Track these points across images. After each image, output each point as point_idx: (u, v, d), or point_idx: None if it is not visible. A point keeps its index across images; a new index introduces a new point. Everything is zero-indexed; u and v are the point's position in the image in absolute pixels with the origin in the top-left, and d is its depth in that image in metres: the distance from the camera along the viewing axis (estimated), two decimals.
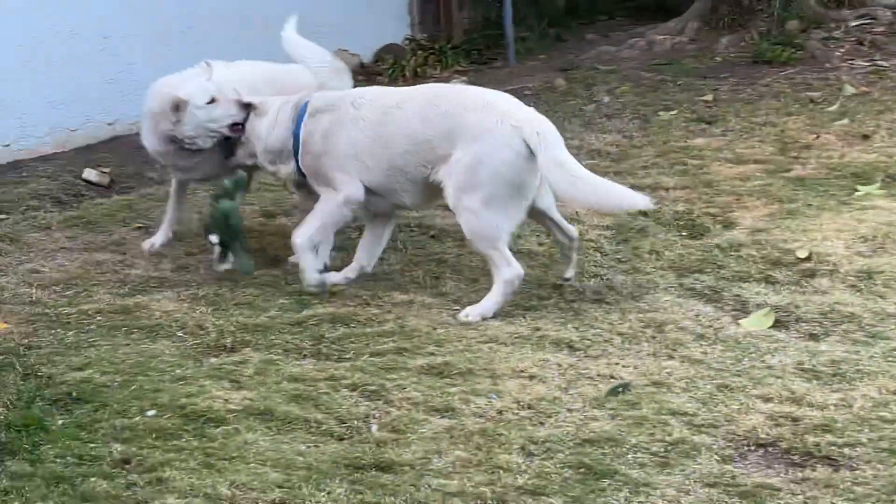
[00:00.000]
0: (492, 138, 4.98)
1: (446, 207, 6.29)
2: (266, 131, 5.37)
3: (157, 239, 5.91)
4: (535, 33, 10.83)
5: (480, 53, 10.52)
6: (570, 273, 5.35)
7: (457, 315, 5.01)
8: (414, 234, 6.07)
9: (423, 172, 5.16)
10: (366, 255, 5.55)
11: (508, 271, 5.04)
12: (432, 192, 5.22)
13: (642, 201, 4.98)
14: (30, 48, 7.79)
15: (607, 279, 5.37)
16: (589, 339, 4.70)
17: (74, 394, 4.25)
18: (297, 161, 5.34)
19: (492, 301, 5.05)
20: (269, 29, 9.26)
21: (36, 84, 7.83)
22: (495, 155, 4.97)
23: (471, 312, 5.01)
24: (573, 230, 5.39)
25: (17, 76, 7.71)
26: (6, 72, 7.65)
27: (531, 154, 4.93)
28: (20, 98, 7.74)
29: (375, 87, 5.64)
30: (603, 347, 4.64)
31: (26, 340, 4.73)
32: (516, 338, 4.74)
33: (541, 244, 5.82)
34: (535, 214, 5.26)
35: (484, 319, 4.95)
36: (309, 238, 5.25)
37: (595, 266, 5.55)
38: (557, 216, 5.33)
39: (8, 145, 7.71)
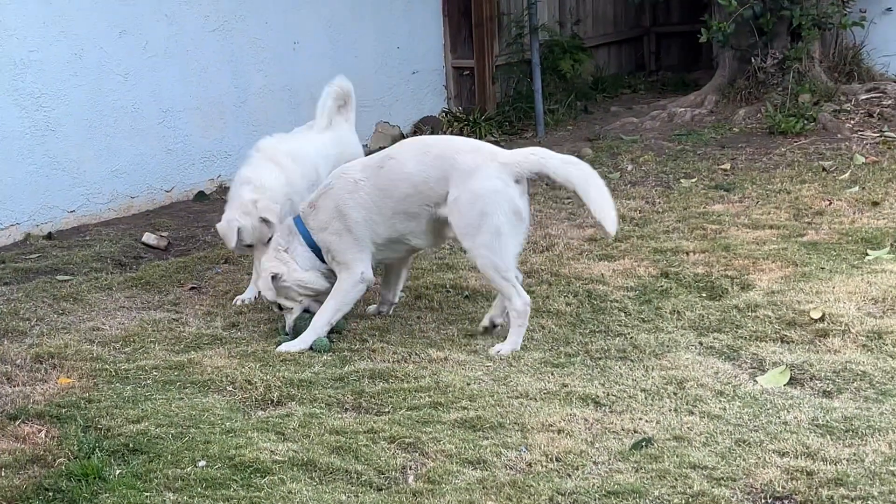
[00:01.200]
0: (484, 172, 5.18)
1: (477, 269, 6.42)
2: (289, 275, 5.42)
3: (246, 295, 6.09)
4: (563, 106, 10.89)
5: (512, 124, 10.59)
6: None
7: (489, 351, 5.19)
8: (449, 295, 6.09)
9: (427, 212, 5.31)
10: (390, 291, 5.78)
11: (520, 301, 5.25)
12: (438, 229, 5.38)
13: (613, 227, 5.14)
14: (95, 121, 7.93)
15: (631, 338, 5.36)
16: (614, 395, 4.69)
17: (131, 445, 4.28)
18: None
19: (516, 333, 5.26)
20: (315, 102, 9.49)
21: (100, 154, 7.97)
22: (489, 186, 5.15)
23: (503, 348, 5.20)
24: None
25: (83, 147, 7.85)
26: (74, 144, 7.80)
27: (518, 185, 5.18)
28: (86, 167, 7.87)
29: (354, 161, 5.70)
30: (627, 403, 4.62)
31: (87, 394, 4.77)
32: (545, 393, 4.73)
33: (568, 304, 5.82)
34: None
35: (514, 352, 5.16)
36: (329, 323, 5.36)
37: (620, 325, 5.54)
38: None
39: (73, 211, 7.83)
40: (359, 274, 5.35)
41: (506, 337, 5.30)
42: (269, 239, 5.58)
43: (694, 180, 8.29)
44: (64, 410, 4.59)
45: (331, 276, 5.46)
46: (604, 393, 4.71)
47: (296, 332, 5.43)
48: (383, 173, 5.34)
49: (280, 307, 5.49)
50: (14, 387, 4.88)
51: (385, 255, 5.50)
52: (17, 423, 4.49)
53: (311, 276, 5.43)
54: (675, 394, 4.69)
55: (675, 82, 12.27)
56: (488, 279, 5.33)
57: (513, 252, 5.25)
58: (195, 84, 8.55)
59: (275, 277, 5.37)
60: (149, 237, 7.35)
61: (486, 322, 5.48)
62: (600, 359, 5.13)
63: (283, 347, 5.31)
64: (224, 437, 4.35)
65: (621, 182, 8.34)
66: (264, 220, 5.65)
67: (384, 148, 6.08)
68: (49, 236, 7.53)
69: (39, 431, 4.40)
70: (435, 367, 5.06)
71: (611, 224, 5.16)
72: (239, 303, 6.04)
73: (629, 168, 8.72)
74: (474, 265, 5.37)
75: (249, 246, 5.77)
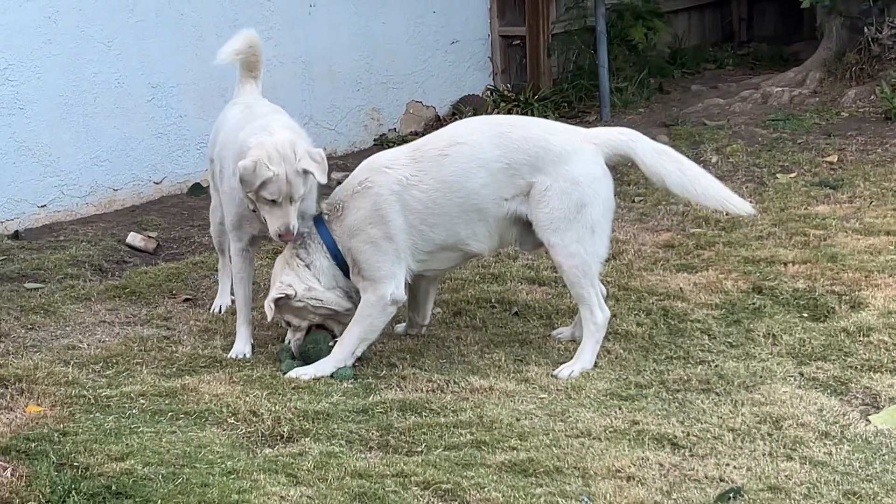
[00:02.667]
0: (583, 157, 5.30)
1: (530, 280, 6.45)
2: (304, 294, 5.41)
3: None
4: (633, 84, 10.87)
5: (571, 106, 10.59)
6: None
7: (554, 373, 5.26)
8: (495, 311, 6.11)
9: (499, 208, 5.33)
10: (418, 313, 5.79)
11: (601, 315, 5.37)
12: (508, 230, 5.42)
13: (747, 208, 5.48)
14: (72, 99, 8.00)
15: (716, 366, 5.35)
16: (695, 436, 4.68)
17: (114, 487, 4.30)
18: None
19: (588, 351, 5.34)
20: (335, 79, 9.55)
21: (77, 138, 8.04)
22: (590, 174, 5.28)
23: (574, 368, 5.28)
24: None
25: (56, 129, 7.92)
26: (46, 125, 7.87)
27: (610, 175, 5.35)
28: (58, 153, 7.95)
29: (394, 148, 5.72)
30: (711, 445, 4.61)
31: (61, 426, 4.81)
32: (611, 432, 4.73)
33: (639, 324, 5.82)
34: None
35: (583, 373, 5.24)
36: (353, 354, 5.38)
37: (702, 350, 5.53)
38: None
39: (44, 206, 7.92)
40: (388, 295, 5.34)
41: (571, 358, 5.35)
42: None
43: (793, 175, 8.25)
44: (34, 444, 4.62)
45: (353, 295, 5.45)
46: (683, 433, 4.70)
47: (303, 357, 5.46)
48: (449, 163, 5.34)
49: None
50: None
51: (430, 266, 5.50)
52: None
53: (332, 297, 5.43)
54: (769, 435, 4.68)
55: (770, 56, 12.22)
56: (571, 283, 5.38)
57: (604, 254, 5.36)
58: (191, 55, 8.61)
59: (287, 297, 5.36)
60: (134, 238, 7.41)
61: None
62: (678, 391, 5.12)
63: (296, 373, 5.33)
64: (224, 479, 4.37)
65: None
66: (306, 174, 5.27)
67: (417, 133, 6.11)
68: (15, 235, 7.61)
69: (4, 470, 4.44)
70: (478, 398, 5.07)
71: (742, 205, 5.45)
72: (218, 310, 6.07)
73: (714, 160, 8.70)
74: (557, 263, 5.41)
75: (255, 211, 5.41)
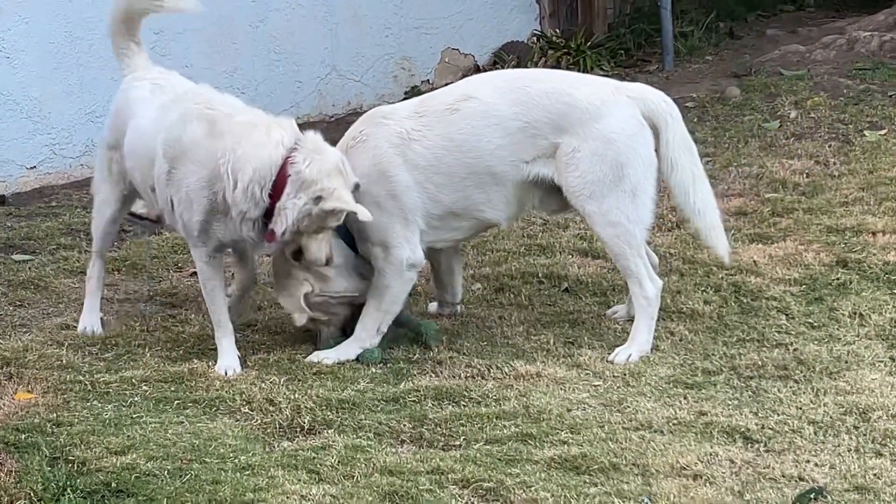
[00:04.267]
0: (616, 111, 5.28)
1: (582, 252, 6.44)
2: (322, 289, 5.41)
3: None
4: (700, 28, 10.82)
5: (629, 54, 10.55)
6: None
7: (609, 358, 5.27)
8: (543, 287, 6.11)
9: (518, 172, 5.33)
10: (447, 291, 5.79)
11: (652, 287, 5.37)
12: (528, 195, 5.41)
13: (726, 256, 5.48)
14: (64, 46, 8.04)
15: (795, 350, 5.34)
16: (771, 429, 4.67)
17: (114, 484, 4.33)
18: None
19: (643, 330, 5.35)
20: (361, 23, 9.53)
21: (70, 90, 8.08)
22: (626, 130, 5.26)
23: (631, 352, 5.29)
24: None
25: (47, 81, 7.97)
26: (35, 76, 7.92)
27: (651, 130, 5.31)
28: (49, 108, 7.99)
29: (398, 103, 5.71)
30: (789, 439, 4.60)
31: (55, 415, 4.84)
32: (675, 424, 4.73)
33: (707, 302, 5.81)
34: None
35: (642, 356, 5.25)
36: (378, 331, 5.39)
37: (779, 332, 5.52)
38: None
39: (34, 167, 7.97)
40: (403, 259, 5.35)
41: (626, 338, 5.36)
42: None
43: (883, 132, 8.20)
44: (24, 436, 4.65)
45: (367, 274, 5.44)
46: (757, 425, 4.69)
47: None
48: (458, 119, 5.34)
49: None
50: None
51: (440, 235, 5.49)
52: None
53: (346, 284, 5.41)
54: (856, 428, 4.67)
55: None
56: (615, 255, 5.39)
57: (649, 220, 5.35)
58: None
59: (305, 295, 5.35)
60: (135, 204, 7.44)
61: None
62: (752, 378, 5.12)
63: (318, 356, 5.35)
64: (238, 475, 4.39)
65: (781, 134, 8.29)
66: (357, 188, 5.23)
67: (450, 84, 6.08)
68: (2, 201, 7.67)
69: None
70: (523, 385, 5.08)
71: (722, 246, 5.48)
72: (88, 332, 5.74)
73: (793, 115, 8.65)
74: (597, 234, 5.43)
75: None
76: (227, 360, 5.31)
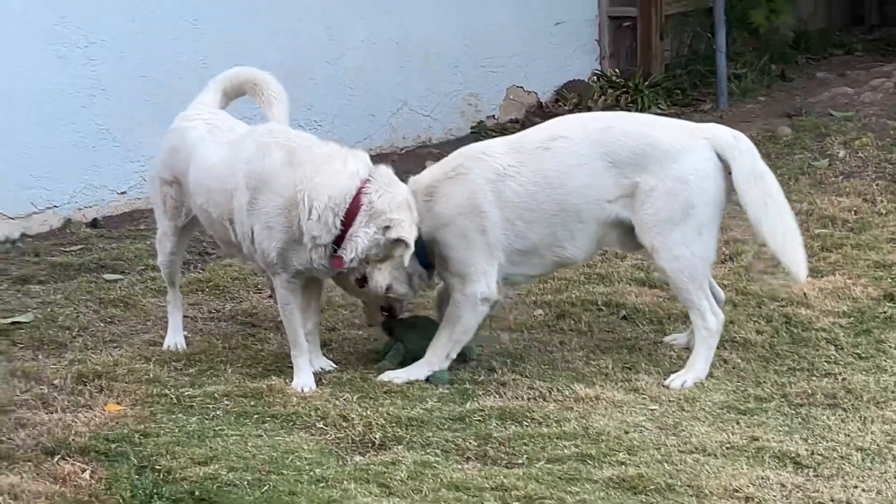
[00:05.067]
0: (693, 154, 5.29)
1: (640, 281, 6.43)
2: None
3: None
4: (753, 70, 10.78)
5: (685, 93, 10.52)
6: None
7: (665, 384, 5.26)
8: (602, 314, 6.10)
9: (601, 211, 5.33)
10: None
11: (714, 320, 5.35)
12: (606, 235, 5.42)
13: (800, 273, 5.38)
14: (155, 79, 8.11)
15: (843, 379, 5.30)
16: (820, 454, 4.64)
17: (197, 493, 4.37)
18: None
19: (701, 359, 5.34)
20: (431, 62, 9.58)
21: (158, 120, 8.07)
22: (700, 172, 5.27)
23: (687, 378, 5.27)
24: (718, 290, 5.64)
25: (138, 111, 8.03)
26: (127, 107, 8.00)
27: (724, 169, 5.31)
28: (141, 137, 8.03)
29: (492, 140, 5.68)
30: (838, 465, 4.57)
31: (142, 426, 4.90)
32: (728, 448, 4.70)
33: (759, 332, 5.78)
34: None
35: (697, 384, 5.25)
36: (447, 357, 5.39)
37: (828, 362, 5.49)
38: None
39: (125, 192, 8.05)
40: (478, 293, 5.34)
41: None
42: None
43: None
44: (114, 445, 4.71)
45: (415, 280, 5.39)
46: (806, 451, 4.66)
47: (401, 358, 5.50)
48: (550, 157, 5.33)
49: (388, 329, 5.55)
50: (51, 414, 5.04)
51: (518, 270, 5.48)
52: (56, 459, 4.62)
53: (408, 290, 5.42)
54: None
55: None
56: (678, 289, 5.37)
57: (712, 256, 5.35)
58: (279, 34, 8.70)
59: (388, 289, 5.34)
60: None
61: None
62: (802, 405, 5.08)
63: (389, 376, 5.37)
64: (313, 487, 4.42)
65: (831, 172, 8.24)
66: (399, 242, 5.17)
67: (517, 121, 6.09)
68: (94, 223, 7.76)
69: (83, 471, 4.53)
70: (583, 408, 5.07)
71: (799, 268, 5.37)
72: (173, 348, 5.82)
73: (841, 154, 8.60)
74: (661, 268, 5.41)
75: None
76: (304, 377, 5.33)
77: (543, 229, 5.35)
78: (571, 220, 5.34)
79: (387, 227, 5.08)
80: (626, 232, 5.42)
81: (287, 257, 5.26)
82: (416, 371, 5.38)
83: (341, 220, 5.12)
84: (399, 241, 5.10)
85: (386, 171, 5.23)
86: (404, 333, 5.56)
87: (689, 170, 5.28)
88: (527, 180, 5.32)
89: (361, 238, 5.09)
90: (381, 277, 5.21)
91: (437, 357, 5.39)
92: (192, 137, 5.64)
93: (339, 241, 5.15)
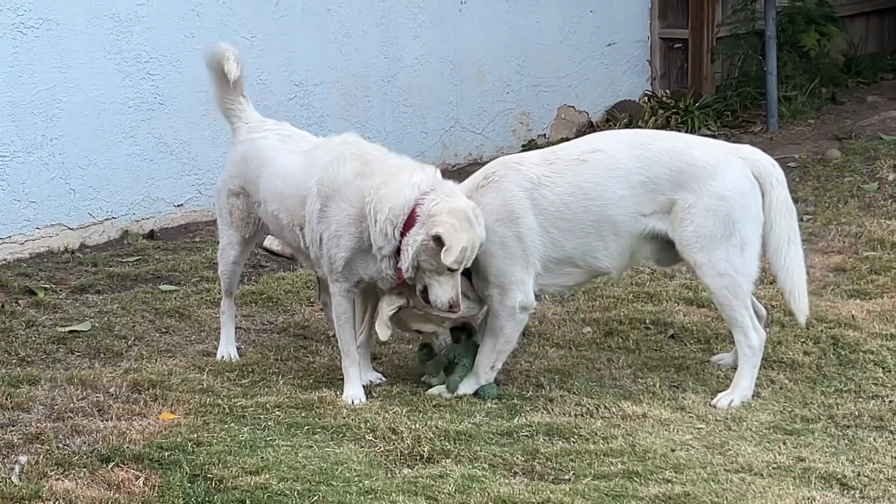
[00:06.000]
0: (730, 171, 5.29)
1: (688, 301, 6.40)
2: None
3: None
4: (803, 93, 10.72)
5: (735, 115, 10.48)
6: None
7: (712, 403, 5.24)
8: (649, 333, 6.07)
9: (636, 224, 5.33)
10: None
11: (756, 337, 5.33)
12: (641, 248, 5.41)
13: (802, 317, 5.39)
14: (210, 94, 8.12)
15: (891, 402, 5.26)
16: (866, 476, 4.61)
17: (248, 502, 4.40)
18: None
19: (746, 377, 5.32)
20: (484, 80, 9.60)
21: (216, 135, 8.20)
22: (738, 188, 5.27)
23: (733, 397, 5.26)
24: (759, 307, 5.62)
25: (196, 126, 8.11)
26: (185, 121, 8.08)
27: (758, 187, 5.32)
28: (198, 151, 8.13)
29: (527, 152, 5.68)
30: (884, 487, 4.54)
31: (195, 435, 4.93)
32: (774, 468, 4.68)
33: (806, 353, 5.74)
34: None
35: (744, 402, 5.24)
36: (492, 368, 5.39)
37: (875, 384, 5.45)
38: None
39: (181, 205, 8.11)
40: (516, 302, 5.33)
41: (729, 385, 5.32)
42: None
43: None
44: (167, 453, 4.74)
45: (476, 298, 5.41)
46: (853, 472, 4.63)
47: (447, 367, 5.48)
48: (587, 169, 5.34)
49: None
50: (107, 421, 5.08)
51: (553, 280, 5.47)
52: (110, 466, 4.66)
53: (464, 303, 5.40)
54: None
55: None
56: (722, 305, 5.35)
57: (755, 273, 5.32)
58: (336, 51, 8.74)
59: (399, 308, 5.31)
60: (272, 241, 7.49)
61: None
62: (849, 427, 5.05)
63: (437, 390, 5.37)
64: (362, 498, 4.43)
65: (879, 195, 8.20)
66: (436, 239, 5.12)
67: (568, 140, 6.09)
68: (151, 235, 7.82)
69: (137, 478, 4.57)
70: (630, 425, 5.06)
71: (802, 307, 5.38)
72: (226, 358, 5.82)
73: (891, 178, 8.54)
74: (705, 285, 5.40)
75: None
76: (354, 389, 5.34)
77: (578, 239, 5.35)
78: (606, 231, 5.34)
79: (432, 230, 5.08)
80: (661, 247, 5.42)
81: (352, 266, 5.29)
82: (465, 385, 5.38)
83: (399, 231, 5.13)
84: (439, 241, 5.06)
85: (451, 185, 5.26)
86: (465, 353, 5.49)
87: (728, 186, 5.27)
88: (562, 190, 5.33)
89: (411, 245, 5.10)
90: (442, 291, 5.17)
91: (482, 369, 5.39)
92: (264, 147, 5.67)
93: (399, 252, 5.17)
